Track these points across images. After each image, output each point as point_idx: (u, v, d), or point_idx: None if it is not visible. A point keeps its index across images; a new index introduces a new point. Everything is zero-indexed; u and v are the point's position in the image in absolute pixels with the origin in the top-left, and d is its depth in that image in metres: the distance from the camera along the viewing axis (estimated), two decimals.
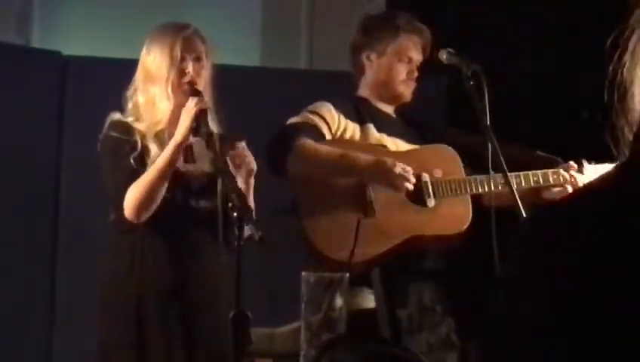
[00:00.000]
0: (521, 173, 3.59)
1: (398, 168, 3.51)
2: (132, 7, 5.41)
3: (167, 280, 3.39)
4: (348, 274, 2.70)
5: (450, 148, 3.75)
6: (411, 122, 3.87)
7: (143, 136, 3.41)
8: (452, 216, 3.60)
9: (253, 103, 4.73)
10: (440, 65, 3.58)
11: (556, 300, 0.96)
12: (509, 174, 3.37)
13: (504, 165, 3.31)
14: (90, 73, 4.95)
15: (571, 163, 3.66)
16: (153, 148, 3.40)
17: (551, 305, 0.97)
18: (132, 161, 3.37)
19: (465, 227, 3.59)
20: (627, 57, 1.07)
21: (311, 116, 3.64)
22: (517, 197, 3.25)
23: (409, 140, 3.78)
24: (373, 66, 3.79)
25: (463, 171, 3.66)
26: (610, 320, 0.94)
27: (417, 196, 3.60)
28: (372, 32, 3.79)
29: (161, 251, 3.41)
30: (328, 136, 3.65)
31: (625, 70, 1.07)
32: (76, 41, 5.33)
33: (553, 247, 0.99)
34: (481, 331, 1.05)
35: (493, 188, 3.58)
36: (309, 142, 3.55)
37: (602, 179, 1.05)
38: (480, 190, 3.60)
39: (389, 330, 3.44)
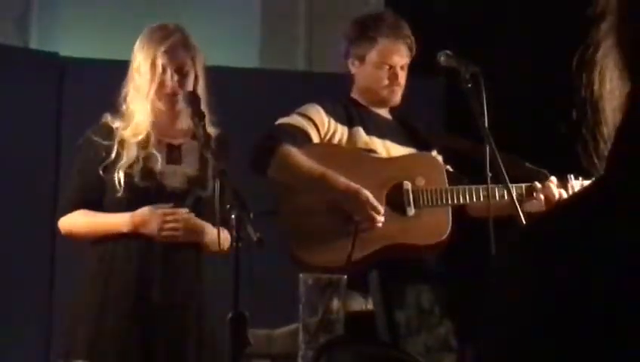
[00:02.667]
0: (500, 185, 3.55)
1: (369, 207, 3.52)
2: (129, 9, 5.41)
3: (133, 281, 3.40)
4: (346, 277, 2.71)
5: (435, 157, 3.75)
6: (407, 125, 3.86)
7: (123, 141, 3.43)
8: (430, 225, 3.59)
9: (251, 105, 4.73)
10: (438, 68, 3.58)
11: (549, 306, 0.97)
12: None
13: (502, 169, 3.30)
14: (88, 74, 4.96)
15: (552, 178, 3.64)
16: (130, 153, 3.42)
17: (544, 311, 0.97)
18: (101, 169, 3.40)
19: (442, 238, 3.58)
20: (595, 73, 1.07)
21: (300, 119, 3.64)
22: (517, 204, 3.25)
23: (402, 143, 3.78)
24: (358, 72, 3.80)
25: (446, 181, 3.65)
26: (604, 328, 0.94)
27: (398, 204, 3.60)
28: (353, 39, 3.79)
29: (129, 252, 3.43)
30: (316, 140, 3.65)
31: (595, 86, 1.07)
32: (74, 42, 5.33)
33: (544, 256, 1.00)
34: (476, 335, 1.06)
35: (475, 199, 3.57)
36: (292, 151, 3.56)
37: (583, 192, 1.06)
38: (461, 201, 3.59)
39: (387, 332, 3.44)
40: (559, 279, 0.97)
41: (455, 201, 3.59)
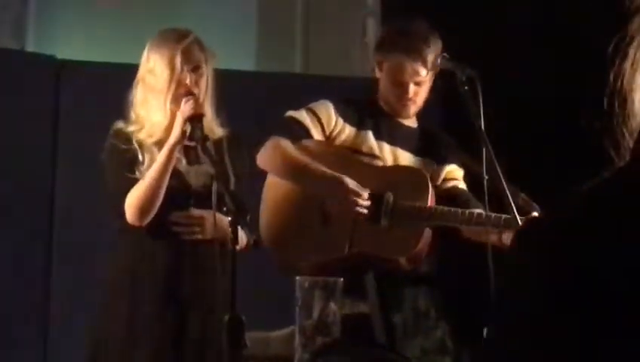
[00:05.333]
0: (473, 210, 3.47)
1: (353, 194, 3.48)
2: (127, 12, 5.41)
3: (163, 282, 3.41)
4: (342, 279, 2.71)
5: (424, 172, 3.68)
6: (430, 136, 3.79)
7: (141, 145, 3.42)
8: (398, 240, 3.52)
9: (248, 107, 4.73)
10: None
11: (557, 300, 0.97)
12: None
13: (499, 171, 3.29)
14: (85, 77, 4.95)
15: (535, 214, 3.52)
16: (151, 155, 3.41)
17: (552, 305, 0.97)
18: (134, 169, 3.40)
19: (403, 255, 3.50)
20: (627, 64, 1.07)
21: (306, 114, 3.64)
22: (515, 211, 3.23)
23: (415, 153, 3.70)
24: (379, 77, 3.74)
25: (430, 199, 3.55)
26: (612, 323, 0.94)
27: (375, 213, 3.55)
28: (375, 45, 3.78)
29: (158, 253, 3.42)
30: (317, 136, 3.63)
31: (625, 77, 1.07)
32: (71, 45, 5.32)
33: (554, 249, 1.00)
34: (477, 336, 1.05)
35: (451, 223, 3.50)
36: (282, 143, 3.56)
37: (602, 183, 1.05)
38: (437, 222, 3.51)
39: (384, 335, 3.44)
40: (575, 270, 0.96)
41: (432, 221, 3.52)
